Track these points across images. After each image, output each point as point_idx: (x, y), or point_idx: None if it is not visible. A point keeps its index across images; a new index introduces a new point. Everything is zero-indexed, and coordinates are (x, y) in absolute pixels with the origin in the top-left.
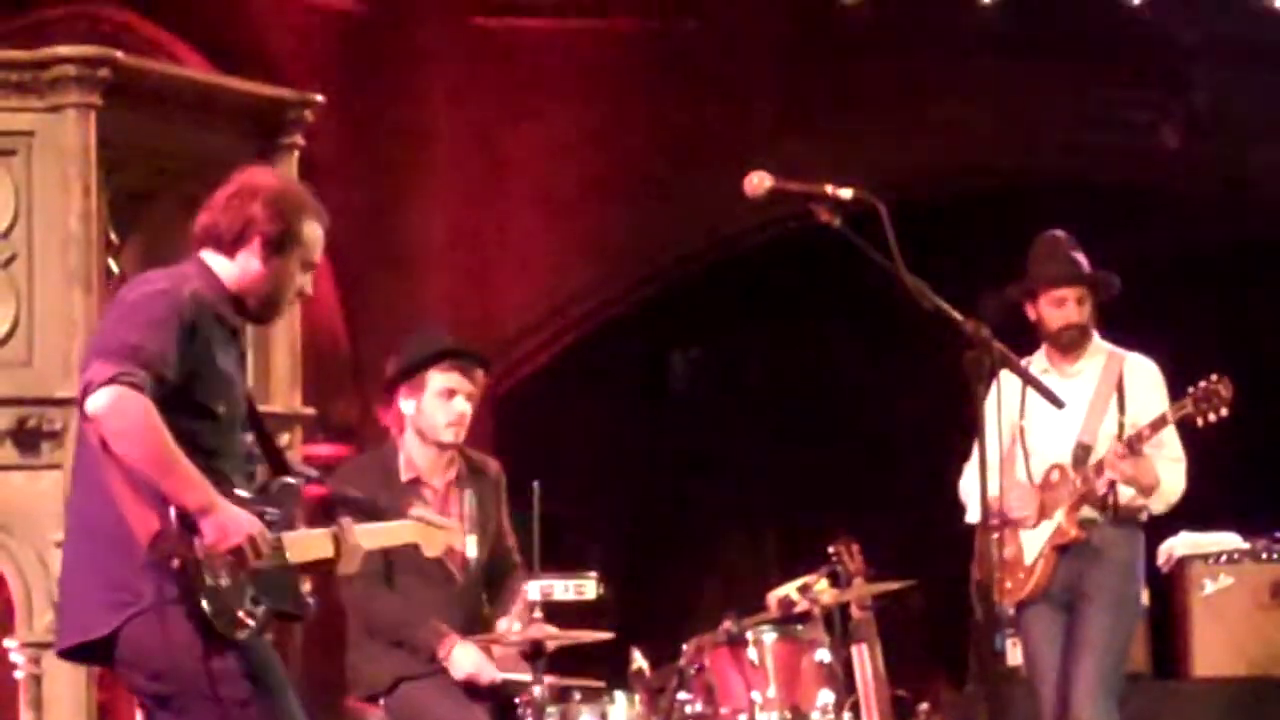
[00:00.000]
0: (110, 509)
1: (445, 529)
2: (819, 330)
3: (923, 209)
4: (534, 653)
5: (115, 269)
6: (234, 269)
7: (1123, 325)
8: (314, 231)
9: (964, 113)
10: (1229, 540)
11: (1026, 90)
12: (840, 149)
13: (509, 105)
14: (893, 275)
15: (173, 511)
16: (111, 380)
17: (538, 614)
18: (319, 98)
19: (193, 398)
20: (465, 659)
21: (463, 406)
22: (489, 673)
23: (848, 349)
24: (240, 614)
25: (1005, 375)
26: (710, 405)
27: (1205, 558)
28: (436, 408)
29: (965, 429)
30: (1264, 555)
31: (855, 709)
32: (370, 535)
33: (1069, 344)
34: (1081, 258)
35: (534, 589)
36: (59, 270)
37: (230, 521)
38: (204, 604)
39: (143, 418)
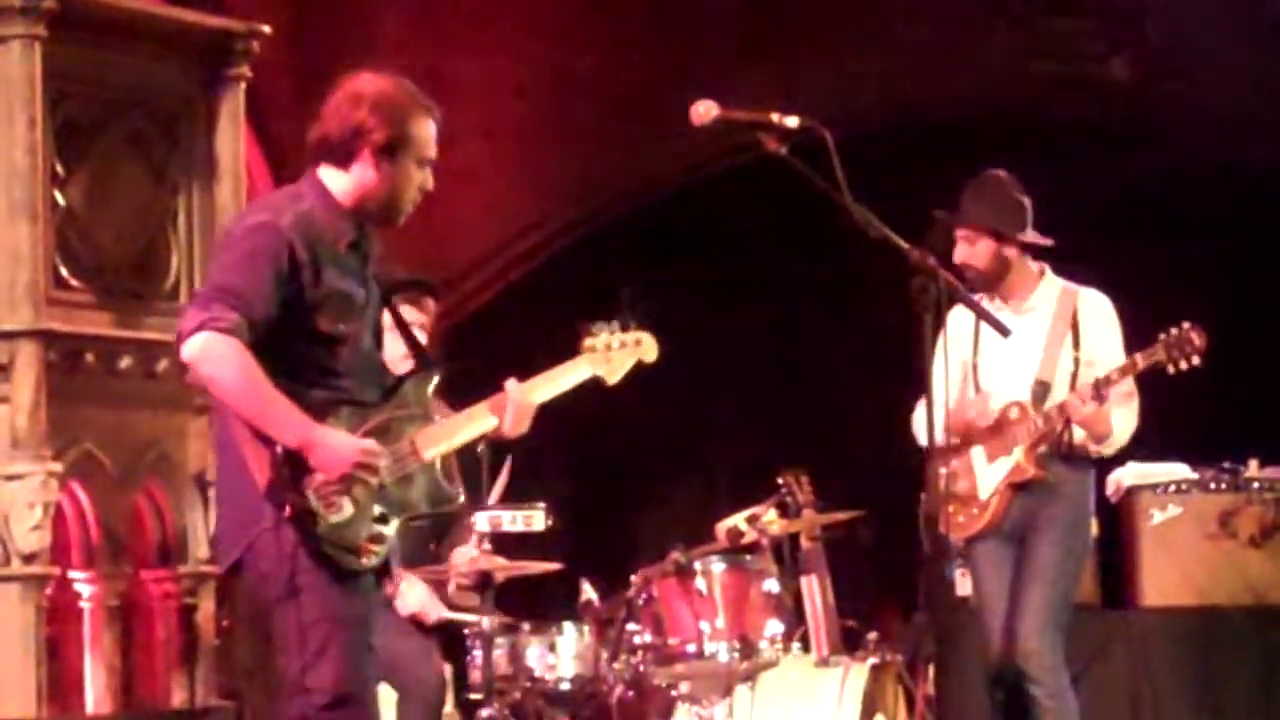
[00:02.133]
0: (229, 444)
1: (629, 346)
2: (771, 264)
3: (870, 142)
4: (482, 584)
5: (61, 201)
6: (349, 181)
7: (1071, 261)
8: (425, 129)
9: (913, 44)
10: (1177, 470)
11: (975, 20)
12: (789, 83)
13: (458, 39)
14: (838, 203)
15: (280, 449)
16: (200, 327)
17: (486, 545)
18: (266, 29)
19: (308, 323)
20: (412, 595)
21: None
22: (435, 610)
23: (800, 283)
24: (362, 543)
25: (955, 313)
26: (661, 339)
27: (1154, 488)
28: (392, 341)
29: (917, 366)
30: (1212, 485)
31: (805, 639)
32: (545, 384)
33: (971, 282)
34: (1001, 197)
35: (482, 520)
36: (4, 202)
37: (334, 452)
38: (324, 546)
39: (232, 361)
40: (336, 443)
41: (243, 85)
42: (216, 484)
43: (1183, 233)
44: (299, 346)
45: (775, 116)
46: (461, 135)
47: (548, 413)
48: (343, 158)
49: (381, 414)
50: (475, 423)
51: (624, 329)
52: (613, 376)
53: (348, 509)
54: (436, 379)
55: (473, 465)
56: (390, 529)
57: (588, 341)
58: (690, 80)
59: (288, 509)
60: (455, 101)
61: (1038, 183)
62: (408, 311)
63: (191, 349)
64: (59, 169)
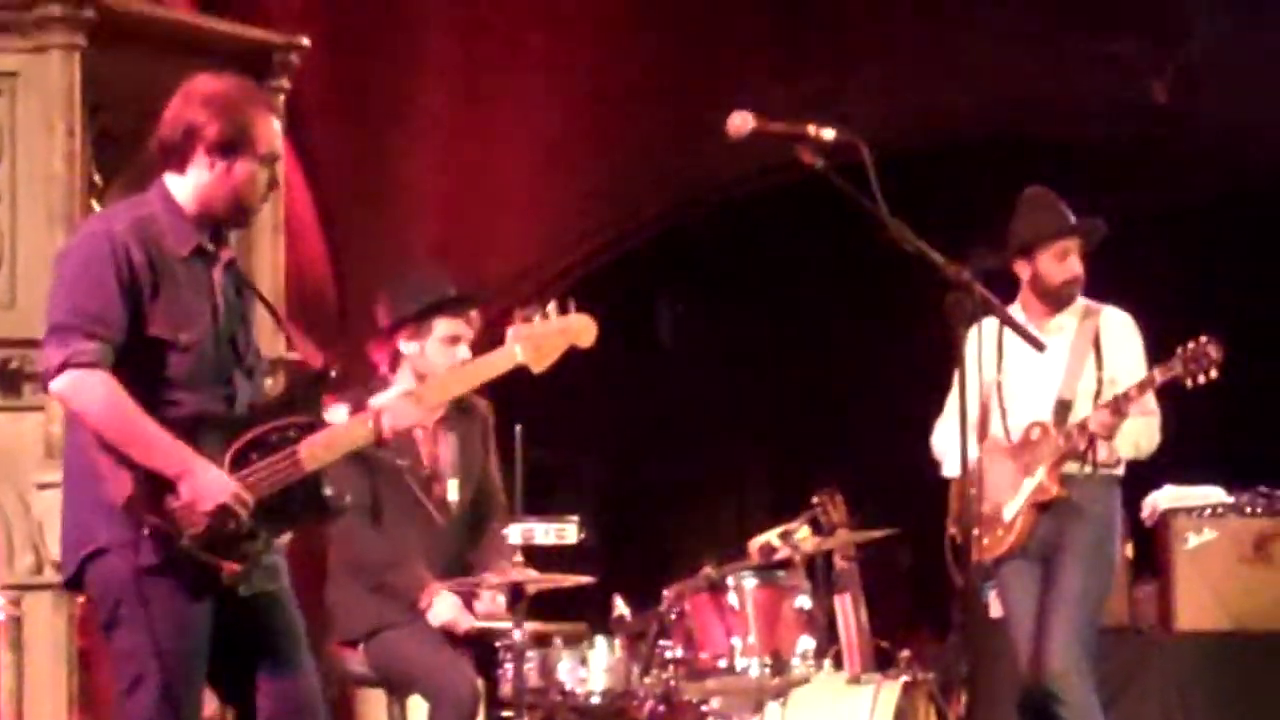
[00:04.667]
0: (81, 454)
1: (561, 333)
2: (807, 282)
3: (908, 161)
4: (514, 596)
5: (98, 210)
6: (188, 184)
7: (1107, 282)
8: (265, 123)
9: (952, 63)
10: (1213, 494)
11: (1015, 40)
12: (829, 99)
13: (499, 50)
14: (875, 217)
15: (143, 469)
16: (64, 365)
17: (518, 558)
18: (305, 41)
19: (146, 330)
20: (444, 607)
21: (465, 354)
22: (466, 621)
23: (836, 302)
24: (223, 561)
25: (981, 331)
26: (697, 355)
27: (1189, 511)
28: (440, 353)
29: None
30: (1247, 509)
31: (837, 657)
32: (458, 379)
33: (1068, 298)
34: (1068, 211)
35: (515, 532)
36: (42, 211)
37: (203, 490)
38: (180, 562)
39: (103, 397)
40: (210, 480)
41: (281, 97)
42: (62, 497)
43: (1219, 253)
44: (143, 353)
45: (811, 129)
46: (500, 150)
47: (584, 424)
48: (179, 160)
49: (261, 426)
50: (353, 433)
51: (562, 312)
52: (540, 364)
53: (204, 533)
54: (326, 383)
55: (507, 478)
56: (259, 544)
57: (515, 328)
58: (728, 98)
59: (146, 529)
60: (494, 117)
61: (1072, 202)
62: (451, 325)
63: (59, 388)
64: (97, 178)
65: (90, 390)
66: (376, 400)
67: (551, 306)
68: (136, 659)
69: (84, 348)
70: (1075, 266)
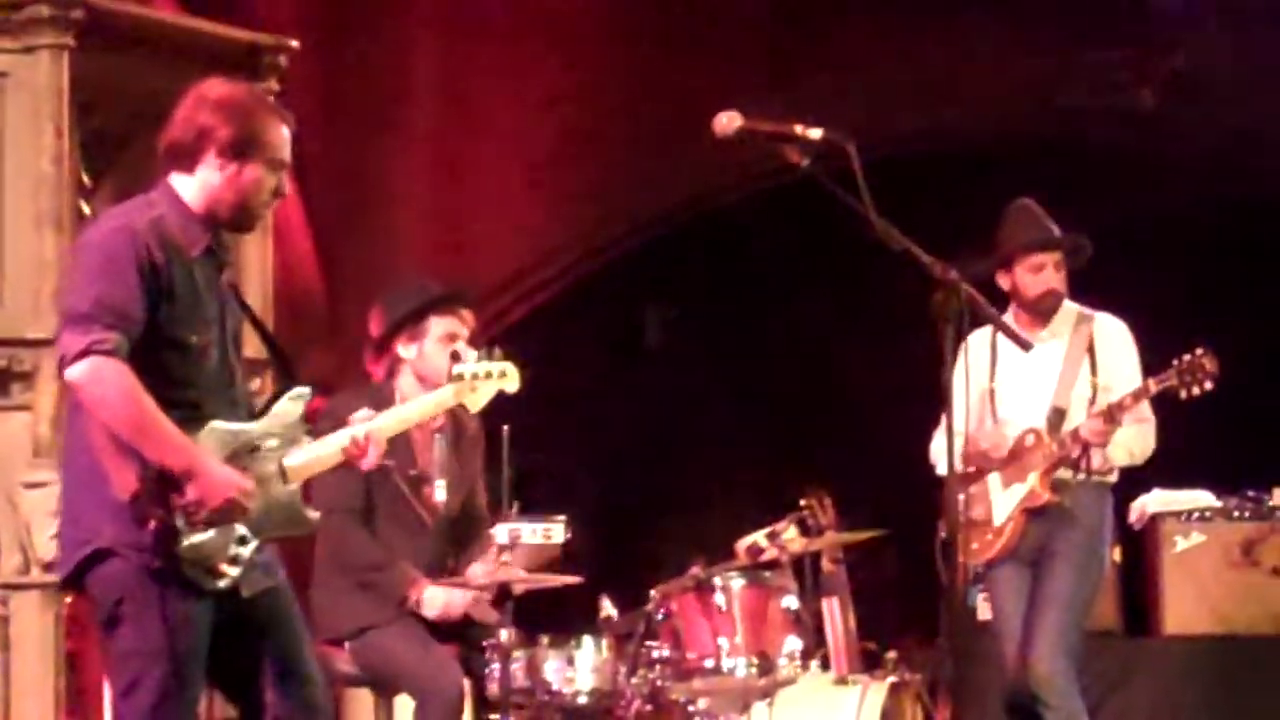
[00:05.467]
0: (83, 449)
1: (494, 377)
2: (795, 289)
3: (899, 167)
4: (501, 596)
5: (87, 211)
6: (196, 185)
7: (1098, 290)
8: (276, 131)
9: (943, 72)
10: (1201, 498)
11: (1004, 49)
12: (819, 109)
13: (487, 59)
14: (862, 216)
15: (152, 465)
16: (85, 351)
17: (506, 558)
18: (294, 43)
19: (160, 331)
20: (436, 598)
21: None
22: (459, 601)
23: (824, 308)
24: (220, 565)
25: (972, 341)
26: (685, 362)
27: (1177, 515)
28: (439, 352)
29: (940, 388)
30: (1235, 513)
31: (824, 659)
32: (399, 417)
33: (1047, 311)
34: (1052, 224)
35: (502, 532)
36: (30, 211)
37: (212, 485)
38: (182, 565)
39: (121, 387)
40: (219, 474)
41: (271, 100)
42: (60, 495)
43: (1207, 259)
44: (151, 353)
45: (798, 128)
46: (490, 156)
47: (572, 428)
48: (189, 161)
49: (251, 433)
50: (327, 458)
51: (490, 358)
52: (475, 405)
53: (208, 532)
54: (306, 400)
55: (494, 478)
56: (248, 550)
57: (455, 369)
58: (720, 104)
59: (152, 523)
60: (484, 123)
61: (1063, 209)
62: (446, 322)
63: (77, 374)
64: (85, 179)
65: (108, 379)
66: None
67: (482, 351)
68: (136, 659)
69: (105, 336)
70: (1051, 280)
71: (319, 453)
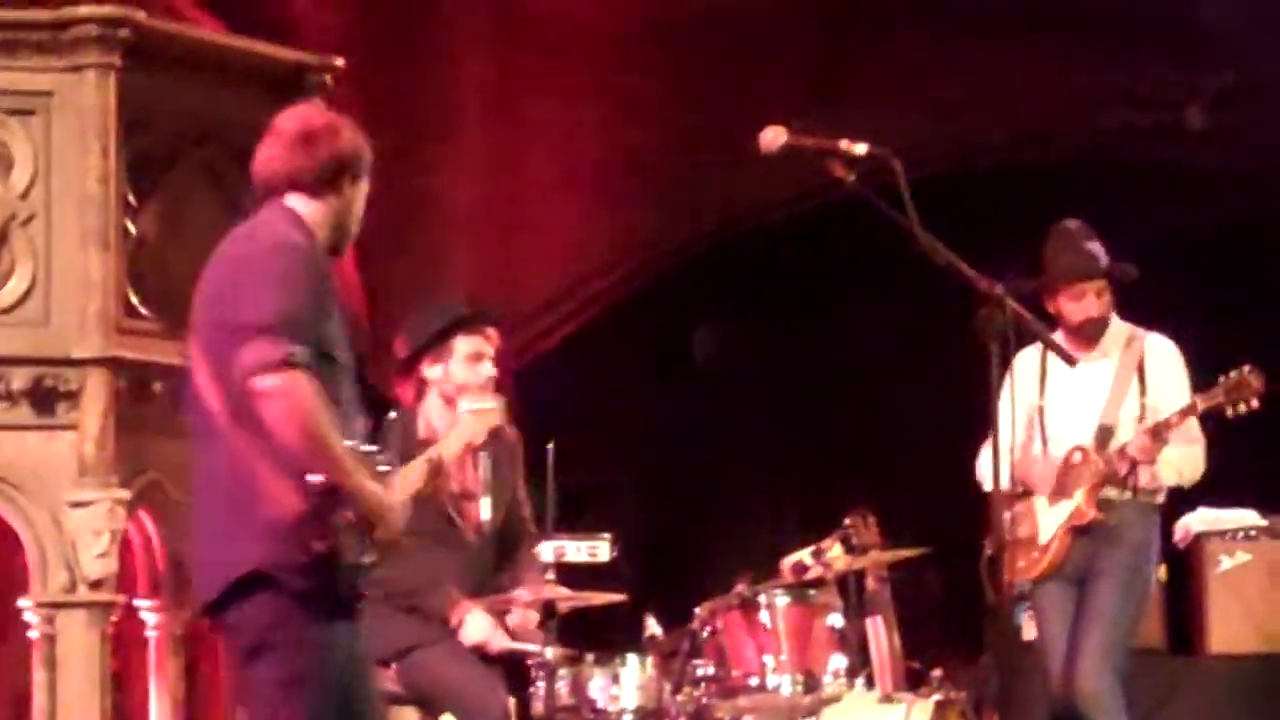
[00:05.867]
0: (236, 470)
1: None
2: (844, 306)
3: (940, 183)
4: (546, 614)
5: (133, 230)
6: (320, 209)
7: (1148, 306)
8: (369, 154)
9: (990, 89)
10: (1246, 517)
11: (1052, 66)
12: (865, 125)
13: (533, 75)
14: (906, 230)
15: (320, 485)
16: (282, 363)
17: (550, 575)
18: (339, 62)
19: (320, 349)
20: (475, 626)
21: (490, 370)
22: (498, 641)
23: (873, 325)
24: (361, 585)
25: (1021, 359)
26: (733, 380)
27: (1222, 534)
28: (465, 371)
29: (987, 407)
30: None
31: (869, 678)
32: (410, 479)
33: (1089, 337)
34: (1097, 247)
35: (547, 550)
36: (76, 231)
37: (384, 506)
38: (339, 585)
39: (313, 401)
40: (388, 496)
41: None
42: (196, 517)
43: (1256, 276)
44: (318, 370)
45: (844, 144)
46: (536, 176)
47: (619, 444)
48: (319, 186)
49: (375, 456)
50: (419, 476)
51: None
52: (479, 439)
53: (358, 555)
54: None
55: (539, 496)
56: (367, 580)
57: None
58: (763, 120)
59: (320, 545)
60: (531, 139)
61: (1109, 227)
62: (470, 342)
63: (273, 384)
64: (131, 198)
65: (302, 392)
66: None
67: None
68: (286, 688)
69: (296, 349)
70: (1091, 309)
71: (409, 477)
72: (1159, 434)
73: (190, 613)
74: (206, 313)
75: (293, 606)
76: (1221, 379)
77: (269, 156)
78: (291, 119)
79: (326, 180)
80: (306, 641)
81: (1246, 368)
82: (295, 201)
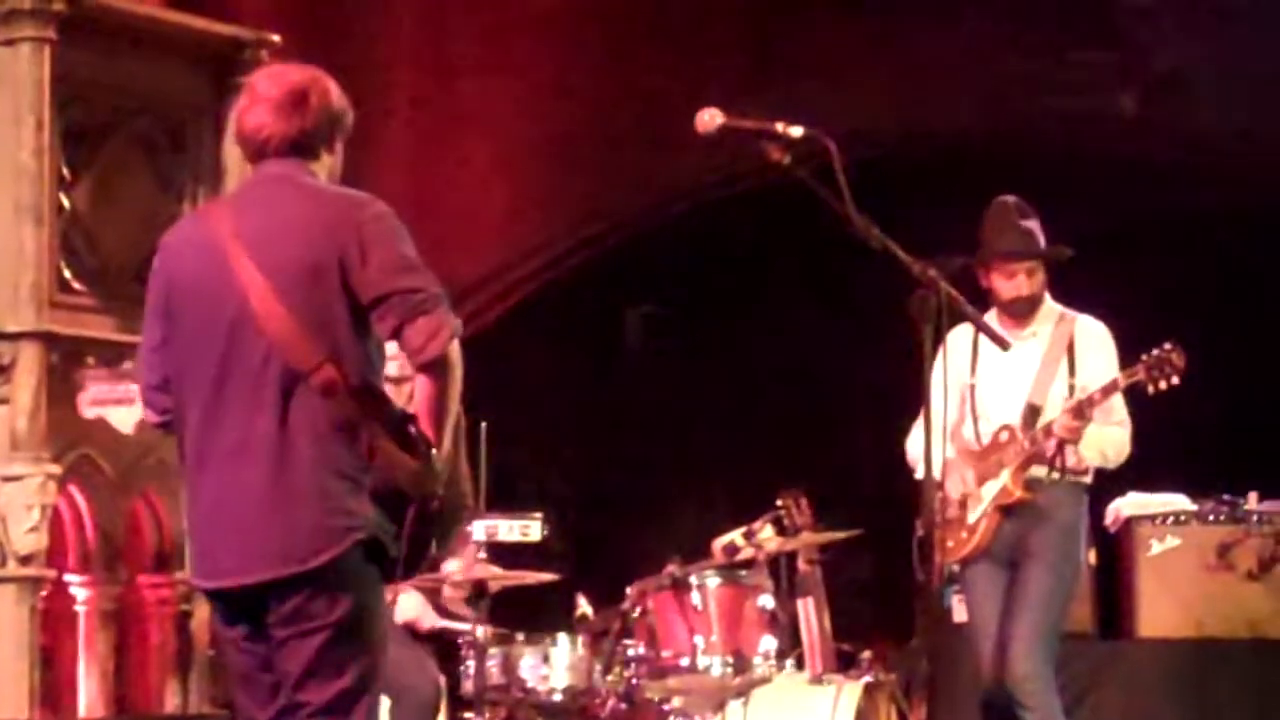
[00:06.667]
0: (333, 434)
1: None
2: (775, 288)
3: (879, 166)
4: (477, 593)
5: (67, 204)
6: (325, 171)
7: (1078, 291)
8: None
9: (920, 73)
10: (1176, 501)
11: (988, 50)
12: (798, 107)
13: (467, 56)
14: (841, 214)
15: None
16: (457, 329)
17: (482, 555)
18: (275, 38)
19: None
20: (406, 605)
21: None
22: (429, 619)
23: (803, 307)
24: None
25: (953, 338)
26: (666, 361)
27: (1152, 518)
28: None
29: (919, 388)
30: (1210, 517)
31: (799, 660)
32: None
33: (1020, 314)
34: (1033, 225)
35: (479, 529)
36: (9, 204)
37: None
38: (433, 549)
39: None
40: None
41: None
42: (279, 483)
43: (1186, 264)
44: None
45: (780, 126)
46: (469, 154)
47: (550, 425)
48: (320, 148)
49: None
50: None
51: None
52: None
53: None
54: None
55: (472, 475)
56: None
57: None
58: (699, 103)
59: (436, 503)
60: (463, 120)
61: (1046, 210)
62: None
63: (454, 353)
64: (65, 172)
65: (460, 362)
66: None
67: None
68: (371, 655)
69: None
70: (1023, 287)
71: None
72: (1082, 411)
73: (249, 575)
74: (315, 277)
75: (375, 570)
76: (1143, 356)
77: (259, 123)
78: (273, 81)
79: (324, 139)
80: (385, 609)
81: (1168, 345)
82: (308, 165)
